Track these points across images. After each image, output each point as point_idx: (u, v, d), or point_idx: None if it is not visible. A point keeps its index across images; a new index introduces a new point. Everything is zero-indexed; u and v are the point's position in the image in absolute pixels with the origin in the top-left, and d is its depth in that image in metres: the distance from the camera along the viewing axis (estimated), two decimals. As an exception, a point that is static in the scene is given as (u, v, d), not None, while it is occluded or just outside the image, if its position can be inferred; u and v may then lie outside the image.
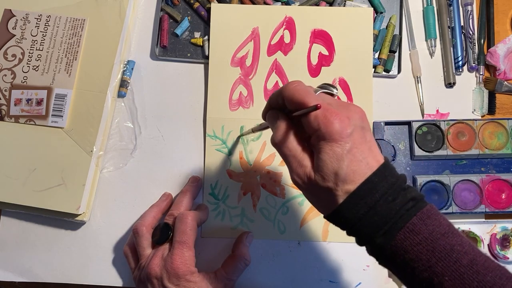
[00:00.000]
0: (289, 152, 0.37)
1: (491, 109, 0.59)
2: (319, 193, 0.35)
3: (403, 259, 0.33)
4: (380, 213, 0.33)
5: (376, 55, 0.60)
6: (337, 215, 0.35)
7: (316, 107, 0.34)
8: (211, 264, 0.55)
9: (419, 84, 0.60)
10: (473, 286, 0.31)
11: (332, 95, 0.38)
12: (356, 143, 0.34)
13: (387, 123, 0.58)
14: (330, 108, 0.35)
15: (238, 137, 0.58)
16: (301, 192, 0.56)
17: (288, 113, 0.38)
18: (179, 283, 0.48)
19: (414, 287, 0.34)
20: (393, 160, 0.57)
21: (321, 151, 0.34)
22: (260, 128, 0.50)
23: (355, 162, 0.34)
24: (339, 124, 0.34)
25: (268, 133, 0.58)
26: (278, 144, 0.37)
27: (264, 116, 0.42)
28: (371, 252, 0.36)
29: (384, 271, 0.56)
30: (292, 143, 0.37)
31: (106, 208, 0.58)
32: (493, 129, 0.57)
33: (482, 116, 0.59)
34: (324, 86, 0.39)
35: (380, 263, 0.36)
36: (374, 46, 0.59)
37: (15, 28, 0.59)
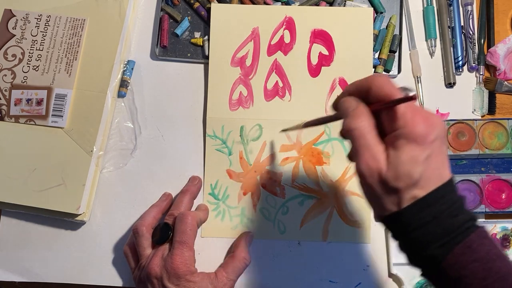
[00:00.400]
0: (364, 141, 0.35)
1: (491, 109, 0.59)
2: (384, 191, 0.34)
3: (457, 275, 0.33)
4: (443, 225, 0.33)
5: (376, 55, 0.60)
6: (397, 218, 0.34)
7: (411, 98, 0.33)
8: (211, 264, 0.55)
9: (419, 84, 0.60)
10: None
11: (413, 99, 0.37)
12: (435, 151, 0.34)
13: (387, 123, 0.58)
14: (420, 108, 0.34)
15: (283, 130, 0.54)
16: (301, 192, 0.57)
17: (370, 105, 0.36)
18: (179, 283, 0.48)
19: None
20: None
21: (400, 150, 0.33)
22: (317, 122, 0.46)
23: (430, 170, 0.33)
24: (425, 127, 0.33)
25: (268, 132, 0.58)
26: (354, 131, 0.35)
27: (336, 103, 0.39)
28: (417, 263, 0.35)
29: (384, 271, 0.56)
30: (371, 132, 0.35)
31: (106, 208, 0.58)
32: (493, 129, 0.57)
33: (482, 116, 0.59)
34: (404, 88, 0.37)
35: (424, 274, 0.35)
36: (374, 46, 0.59)
37: (15, 28, 0.59)
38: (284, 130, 0.54)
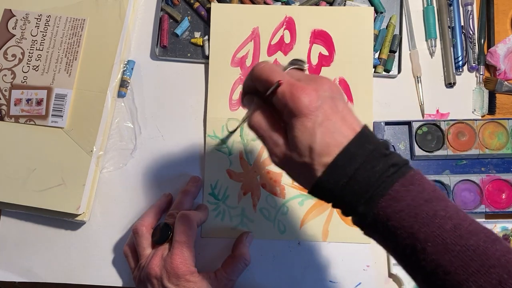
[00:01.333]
0: (263, 133, 0.37)
1: (491, 109, 0.59)
2: (298, 169, 0.36)
3: (385, 227, 0.33)
4: (360, 182, 0.33)
5: (376, 55, 0.60)
6: (318, 188, 0.35)
7: (278, 84, 0.34)
8: (211, 264, 0.55)
9: (419, 84, 0.60)
10: (456, 250, 0.31)
11: (302, 70, 0.38)
12: (327, 114, 0.34)
13: (387, 123, 0.58)
14: (296, 83, 0.35)
15: (230, 133, 0.58)
16: (301, 192, 0.57)
17: (262, 95, 0.38)
18: (179, 283, 0.48)
19: (398, 255, 0.34)
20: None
21: (293, 128, 0.34)
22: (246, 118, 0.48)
23: (328, 134, 0.34)
24: (306, 98, 0.34)
25: (268, 133, 0.58)
26: (254, 126, 0.37)
27: (242, 104, 0.42)
28: (355, 222, 0.35)
29: (384, 271, 0.56)
30: (265, 123, 0.37)
31: (106, 208, 0.58)
32: (493, 129, 0.57)
33: (482, 116, 0.59)
34: (293, 62, 0.39)
35: (364, 233, 0.36)
36: (374, 46, 0.59)
37: (15, 28, 0.59)
38: (232, 132, 0.57)
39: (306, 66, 0.39)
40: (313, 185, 0.35)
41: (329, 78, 0.36)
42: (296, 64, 0.38)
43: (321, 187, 0.35)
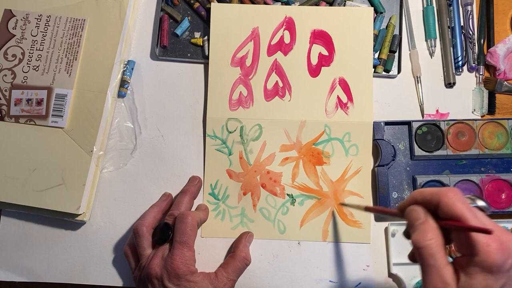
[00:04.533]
0: (433, 262, 0.34)
1: (491, 109, 0.59)
2: None
3: None
4: None
5: (376, 55, 0.60)
6: None
7: (488, 232, 0.31)
8: (211, 264, 0.55)
9: (419, 84, 0.60)
10: None
11: (483, 211, 0.36)
12: (510, 280, 0.33)
13: (387, 123, 0.58)
14: (500, 238, 0.33)
15: (342, 204, 0.56)
16: (301, 192, 0.57)
17: (436, 217, 0.36)
18: (179, 283, 0.48)
19: None
20: (393, 160, 0.57)
21: (473, 278, 0.33)
22: (377, 211, 0.47)
23: None
24: (501, 256, 0.32)
25: (268, 132, 0.58)
26: (423, 249, 0.34)
27: (402, 208, 0.39)
28: None
29: (384, 271, 0.56)
30: (439, 252, 0.34)
31: (106, 208, 0.58)
32: (493, 129, 0.57)
33: (482, 116, 0.59)
34: (474, 199, 0.37)
35: None
36: (374, 46, 0.59)
37: (15, 28, 0.59)
38: (343, 204, 0.56)
39: (489, 210, 0.37)
40: None
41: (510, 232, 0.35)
42: (478, 203, 0.36)
43: None
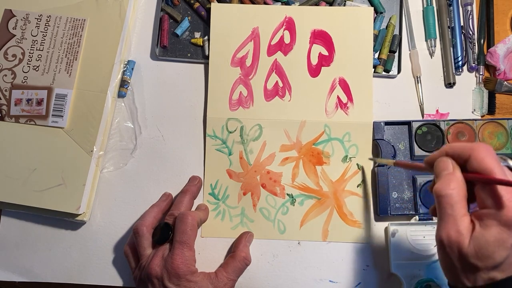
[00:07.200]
0: (451, 211, 0.34)
1: (491, 109, 0.59)
2: (461, 264, 0.34)
3: None
4: None
5: (376, 55, 0.60)
6: None
7: None
8: (211, 264, 0.55)
9: (419, 84, 0.60)
10: None
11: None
12: None
13: (387, 123, 0.58)
14: None
15: (373, 161, 0.57)
16: (301, 192, 0.57)
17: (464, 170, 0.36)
18: (179, 283, 0.48)
19: None
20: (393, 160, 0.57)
21: (488, 230, 0.33)
22: (407, 166, 0.48)
23: None
24: None
25: (268, 132, 0.58)
26: (444, 197, 0.35)
27: (430, 161, 0.39)
28: None
29: (384, 271, 0.56)
30: (460, 202, 0.34)
31: (106, 208, 0.58)
32: (493, 129, 0.57)
33: (482, 116, 0.59)
34: (505, 159, 0.37)
35: None
36: (374, 46, 0.59)
37: (15, 28, 0.59)
38: (371, 159, 0.56)
39: None
40: None
41: None
42: (510, 166, 0.36)
43: None
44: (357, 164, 0.57)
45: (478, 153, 0.35)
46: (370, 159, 0.57)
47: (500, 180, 0.33)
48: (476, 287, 0.34)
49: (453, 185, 0.35)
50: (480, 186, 0.35)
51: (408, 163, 0.48)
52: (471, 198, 0.36)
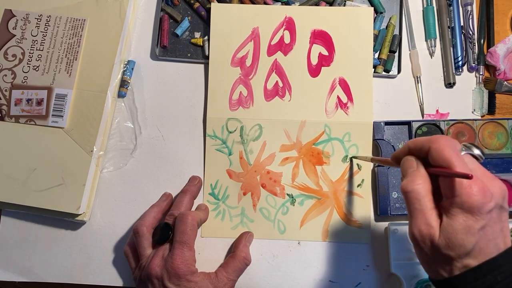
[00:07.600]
0: (418, 205, 0.35)
1: (491, 109, 0.59)
2: (435, 256, 0.35)
3: None
4: None
5: (376, 55, 0.60)
6: (447, 284, 0.35)
7: (468, 177, 0.32)
8: (211, 264, 0.55)
9: (419, 84, 0.60)
10: None
11: (477, 159, 0.37)
12: (491, 221, 0.34)
13: (387, 123, 0.58)
14: (476, 177, 0.34)
15: (353, 157, 0.57)
16: (301, 192, 0.57)
17: (426, 165, 0.37)
18: (179, 283, 0.48)
19: None
20: (393, 160, 0.57)
21: (454, 219, 0.34)
22: (380, 161, 0.50)
23: (484, 241, 0.33)
24: (481, 198, 0.33)
25: (268, 132, 0.58)
26: (410, 194, 0.36)
27: (397, 157, 0.40)
28: None
29: (384, 271, 0.56)
30: (426, 197, 0.35)
31: (106, 208, 0.58)
32: (493, 129, 0.57)
33: (482, 116, 0.59)
34: (469, 147, 0.37)
35: None
36: (374, 46, 0.59)
37: (15, 28, 0.59)
38: (354, 157, 0.57)
39: (483, 157, 0.37)
40: (445, 280, 0.35)
41: (503, 183, 0.35)
42: (472, 150, 0.37)
43: (453, 285, 0.34)
44: (357, 164, 0.58)
45: (437, 145, 0.36)
46: (352, 157, 0.57)
47: (453, 173, 0.34)
48: (454, 277, 0.34)
49: (418, 180, 0.36)
50: (441, 178, 0.35)
51: (382, 158, 0.50)
52: (437, 190, 0.37)
